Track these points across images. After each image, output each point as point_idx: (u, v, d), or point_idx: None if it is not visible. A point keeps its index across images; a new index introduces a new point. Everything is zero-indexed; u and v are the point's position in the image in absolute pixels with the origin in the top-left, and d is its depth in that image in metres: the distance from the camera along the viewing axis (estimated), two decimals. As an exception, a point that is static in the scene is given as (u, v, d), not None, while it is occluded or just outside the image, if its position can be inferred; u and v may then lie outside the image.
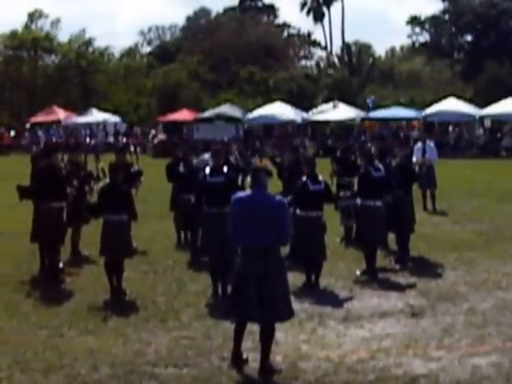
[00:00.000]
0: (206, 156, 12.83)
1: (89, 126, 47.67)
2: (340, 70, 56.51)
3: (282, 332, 7.79)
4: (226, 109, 44.48)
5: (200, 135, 40.23)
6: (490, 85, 49.54)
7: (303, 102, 47.85)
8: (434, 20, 66.06)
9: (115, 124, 47.89)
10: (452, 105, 41.38)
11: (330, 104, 43.67)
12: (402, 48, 75.43)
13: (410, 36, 68.89)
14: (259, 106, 45.71)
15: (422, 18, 67.05)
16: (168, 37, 77.33)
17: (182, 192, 12.55)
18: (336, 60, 62.11)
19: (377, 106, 44.21)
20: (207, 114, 44.35)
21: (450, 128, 43.65)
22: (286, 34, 75.31)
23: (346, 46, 62.80)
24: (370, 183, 10.95)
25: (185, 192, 12.28)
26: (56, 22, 60.15)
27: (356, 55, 59.45)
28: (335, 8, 75.77)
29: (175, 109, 47.44)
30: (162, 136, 43.76)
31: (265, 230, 6.94)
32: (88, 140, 44.21)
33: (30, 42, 56.28)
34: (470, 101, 43.80)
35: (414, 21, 67.28)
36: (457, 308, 9.17)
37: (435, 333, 8.18)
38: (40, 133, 46.40)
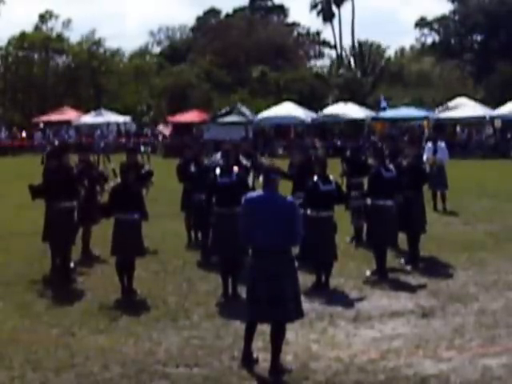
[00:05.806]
0: (218, 156, 12.84)
1: (99, 126, 47.83)
2: (351, 70, 56.40)
3: (292, 332, 7.80)
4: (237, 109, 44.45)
5: (210, 135, 40.26)
6: (501, 85, 49.29)
7: (314, 101, 47.78)
8: (442, 20, 65.79)
9: (125, 124, 48.00)
10: (462, 105, 41.21)
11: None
12: (411, 48, 75.22)
13: (418, 39, 68.99)
14: (270, 106, 45.69)
15: (431, 18, 66.92)
16: (178, 37, 77.41)
17: (194, 192, 12.57)
18: (349, 60, 61.89)
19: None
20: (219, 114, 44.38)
21: (458, 128, 43.47)
22: (295, 33, 75.20)
23: (358, 46, 62.57)
24: (381, 183, 10.94)
25: (196, 192, 12.30)
26: (67, 23, 60.40)
27: (368, 55, 59.32)
28: (345, 8, 75.55)
29: (185, 109, 47.48)
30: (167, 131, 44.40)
31: (276, 230, 6.96)
32: (99, 140, 44.33)
33: (41, 42, 56.48)
34: (480, 101, 43.64)
35: (421, 23, 67.07)
36: (467, 309, 9.15)
37: (446, 333, 8.17)
38: (51, 133, 46.55)
